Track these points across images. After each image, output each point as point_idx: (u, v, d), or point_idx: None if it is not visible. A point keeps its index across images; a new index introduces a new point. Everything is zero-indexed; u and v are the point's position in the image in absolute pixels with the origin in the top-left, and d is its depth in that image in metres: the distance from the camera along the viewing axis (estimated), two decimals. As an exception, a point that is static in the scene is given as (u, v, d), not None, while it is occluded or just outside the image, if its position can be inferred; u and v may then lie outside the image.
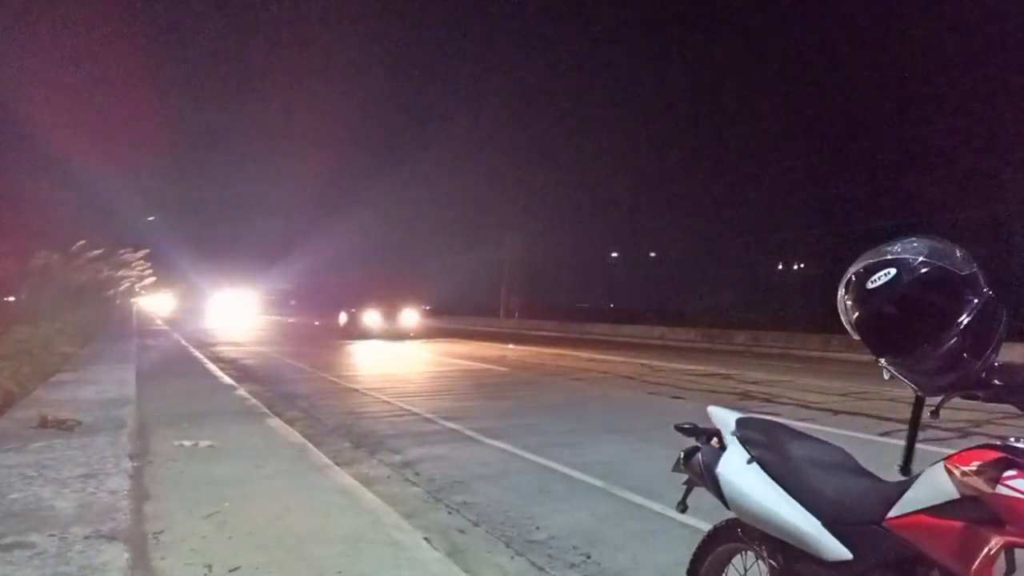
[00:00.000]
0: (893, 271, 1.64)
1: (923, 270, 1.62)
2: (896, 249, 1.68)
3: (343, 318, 27.74)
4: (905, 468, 1.69)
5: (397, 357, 18.56)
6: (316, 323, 38.36)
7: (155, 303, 60.97)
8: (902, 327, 1.64)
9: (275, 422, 7.49)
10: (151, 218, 42.83)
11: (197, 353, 16.86)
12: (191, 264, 65.28)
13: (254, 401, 9.02)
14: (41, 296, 20.04)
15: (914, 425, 1.70)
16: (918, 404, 1.70)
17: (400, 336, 25.33)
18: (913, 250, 1.65)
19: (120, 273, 29.45)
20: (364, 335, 25.03)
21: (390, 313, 25.73)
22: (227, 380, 11.46)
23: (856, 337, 1.74)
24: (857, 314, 1.71)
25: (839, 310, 1.77)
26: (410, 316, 26.39)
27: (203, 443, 6.19)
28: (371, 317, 25.59)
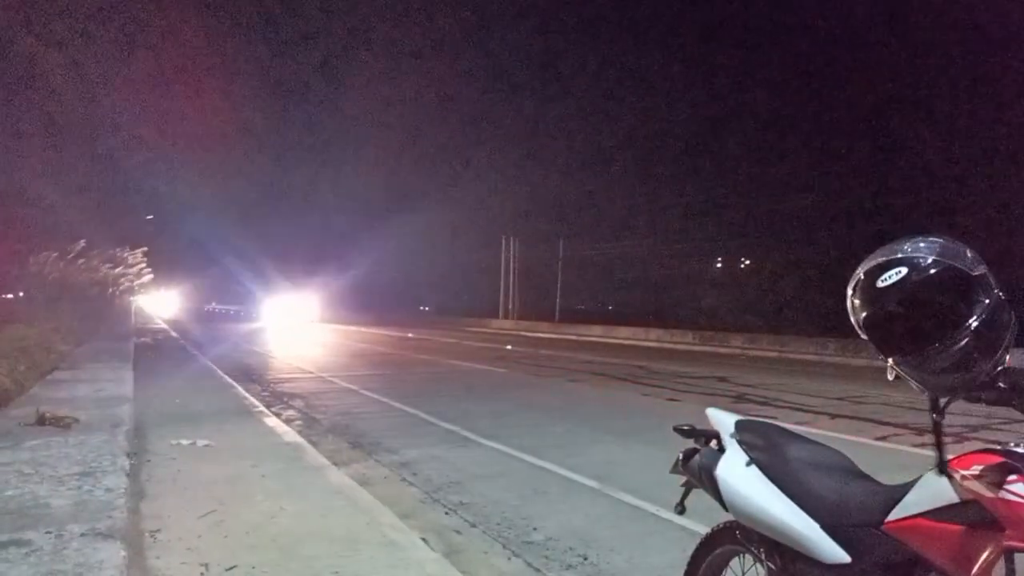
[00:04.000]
0: (904, 270, 1.61)
1: (934, 270, 1.59)
2: (906, 248, 1.65)
3: None
4: (941, 469, 1.67)
5: None
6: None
7: (157, 302, 60.28)
8: (911, 327, 1.61)
9: (272, 421, 7.48)
10: (149, 217, 42.66)
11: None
12: (237, 264, 58.89)
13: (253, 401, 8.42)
14: (38, 295, 19.98)
15: (938, 426, 1.69)
16: (935, 405, 1.68)
17: None
18: (924, 249, 1.63)
19: (118, 270, 29.30)
20: None
21: None
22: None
23: (864, 336, 1.71)
24: (866, 313, 1.69)
25: (847, 309, 1.74)
26: None
27: (200, 442, 6.19)
28: None
